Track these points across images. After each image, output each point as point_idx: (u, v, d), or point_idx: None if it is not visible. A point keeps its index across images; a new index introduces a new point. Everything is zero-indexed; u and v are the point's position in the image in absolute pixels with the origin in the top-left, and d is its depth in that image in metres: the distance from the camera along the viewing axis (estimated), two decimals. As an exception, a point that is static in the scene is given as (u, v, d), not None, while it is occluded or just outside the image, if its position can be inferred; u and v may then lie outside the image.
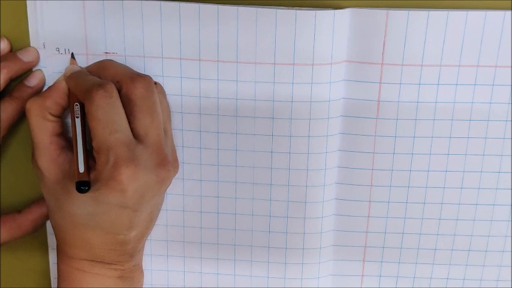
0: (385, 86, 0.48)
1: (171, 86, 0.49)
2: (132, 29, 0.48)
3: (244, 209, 0.52)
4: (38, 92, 0.49)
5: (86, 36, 0.48)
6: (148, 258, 0.55)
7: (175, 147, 0.50)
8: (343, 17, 0.47)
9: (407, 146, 0.50)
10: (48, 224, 0.54)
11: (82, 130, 0.46)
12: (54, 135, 0.47)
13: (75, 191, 0.45)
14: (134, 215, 0.47)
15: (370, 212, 0.52)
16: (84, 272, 0.48)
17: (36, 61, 0.49)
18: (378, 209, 0.52)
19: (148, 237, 0.53)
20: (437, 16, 0.46)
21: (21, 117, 0.50)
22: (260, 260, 0.54)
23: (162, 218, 0.53)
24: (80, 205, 0.46)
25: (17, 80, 0.49)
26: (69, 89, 0.47)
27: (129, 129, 0.45)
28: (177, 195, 0.52)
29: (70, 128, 0.49)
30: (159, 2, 0.47)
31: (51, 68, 0.49)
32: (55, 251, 0.51)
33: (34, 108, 0.47)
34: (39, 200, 0.52)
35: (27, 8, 0.48)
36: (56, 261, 0.50)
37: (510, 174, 0.51)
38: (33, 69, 0.49)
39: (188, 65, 0.49)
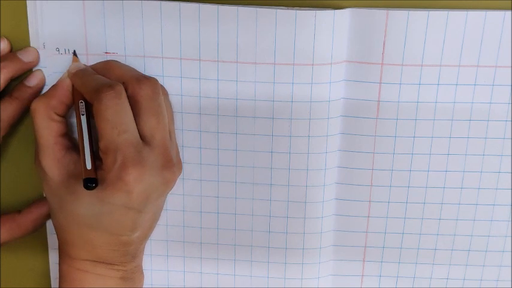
0: (385, 86, 0.48)
1: (171, 86, 0.49)
2: (132, 29, 0.48)
3: (244, 209, 0.52)
4: (38, 92, 0.49)
5: (86, 36, 0.48)
6: (148, 258, 0.55)
7: (176, 147, 0.50)
8: (343, 17, 0.47)
9: (407, 146, 0.50)
10: (49, 224, 0.54)
11: (88, 128, 0.46)
12: (59, 136, 0.47)
13: (80, 191, 0.45)
14: (138, 216, 0.47)
15: (370, 212, 0.52)
16: (86, 273, 0.48)
17: (36, 61, 0.49)
18: (378, 209, 0.52)
19: (149, 236, 0.53)
20: (437, 16, 0.46)
21: (21, 117, 0.50)
22: (260, 260, 0.54)
23: (162, 218, 0.53)
24: (85, 205, 0.46)
25: (17, 80, 0.49)
26: (73, 87, 0.47)
27: (136, 130, 0.45)
28: (177, 195, 0.52)
29: (74, 128, 0.49)
30: (159, 2, 0.47)
31: (51, 68, 0.49)
32: (55, 251, 0.51)
33: (40, 109, 0.47)
34: (40, 200, 0.52)
35: (27, 8, 0.48)
36: (56, 261, 0.50)
37: (510, 174, 0.51)
38: (33, 69, 0.49)
39: (188, 65, 0.49)
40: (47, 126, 0.47)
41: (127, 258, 0.49)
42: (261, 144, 0.50)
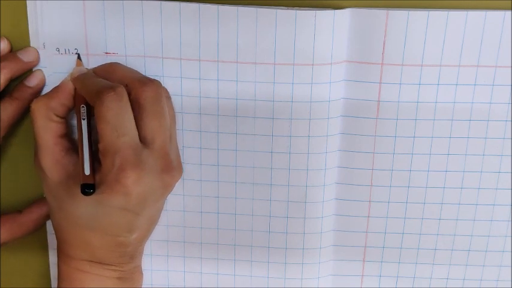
0: (385, 86, 0.48)
1: (171, 86, 0.49)
2: (132, 29, 0.48)
3: (244, 209, 0.52)
4: (38, 92, 0.49)
5: (86, 36, 0.48)
6: (148, 258, 0.55)
7: (176, 147, 0.50)
8: (343, 17, 0.47)
9: (407, 146, 0.50)
10: (49, 224, 0.54)
11: (88, 132, 0.46)
12: (59, 137, 0.47)
13: (79, 193, 0.45)
14: (135, 219, 0.47)
15: (370, 212, 0.52)
16: (84, 272, 0.48)
17: (36, 61, 0.49)
18: (378, 209, 0.52)
19: (149, 238, 0.53)
20: (437, 16, 0.46)
21: (21, 118, 0.50)
22: (260, 260, 0.54)
23: (162, 218, 0.53)
24: (83, 207, 0.46)
25: (17, 80, 0.49)
26: (75, 91, 0.47)
27: (136, 133, 0.45)
28: (177, 195, 0.52)
29: (75, 130, 0.49)
30: (159, 2, 0.47)
31: (51, 68, 0.49)
32: (55, 251, 0.51)
33: (39, 109, 0.47)
34: (40, 200, 0.52)
35: (27, 8, 0.48)
36: (56, 261, 0.50)
37: (510, 174, 0.51)
38: (33, 69, 0.49)
39: (188, 65, 0.49)
40: (46, 127, 0.47)
41: (125, 259, 0.49)
42: (261, 144, 0.50)
